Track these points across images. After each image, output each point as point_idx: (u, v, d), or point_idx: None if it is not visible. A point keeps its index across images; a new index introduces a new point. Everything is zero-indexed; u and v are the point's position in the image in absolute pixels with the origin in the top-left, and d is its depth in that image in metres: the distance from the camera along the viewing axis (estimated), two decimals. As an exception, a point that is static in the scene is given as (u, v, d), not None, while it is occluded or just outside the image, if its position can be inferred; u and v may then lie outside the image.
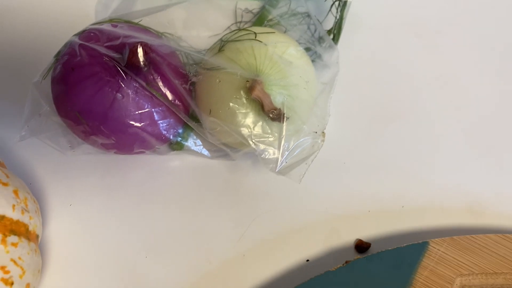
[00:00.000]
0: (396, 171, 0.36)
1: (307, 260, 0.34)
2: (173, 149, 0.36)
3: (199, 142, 0.35)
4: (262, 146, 0.29)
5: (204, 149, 0.35)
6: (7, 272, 0.28)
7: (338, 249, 0.34)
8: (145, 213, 0.36)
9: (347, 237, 0.35)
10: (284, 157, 0.30)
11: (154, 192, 0.37)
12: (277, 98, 0.30)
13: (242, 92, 0.29)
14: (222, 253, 0.35)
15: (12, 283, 0.29)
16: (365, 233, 0.35)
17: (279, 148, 0.29)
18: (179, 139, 0.35)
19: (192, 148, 0.35)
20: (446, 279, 0.30)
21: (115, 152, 0.35)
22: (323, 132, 0.31)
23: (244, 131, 0.29)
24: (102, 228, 0.36)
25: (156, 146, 0.35)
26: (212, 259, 0.34)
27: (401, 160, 0.37)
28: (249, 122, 0.29)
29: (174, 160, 0.38)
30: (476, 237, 0.31)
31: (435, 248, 0.31)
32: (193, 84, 0.32)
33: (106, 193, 0.37)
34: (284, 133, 0.29)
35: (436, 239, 0.31)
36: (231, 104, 0.29)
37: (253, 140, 0.29)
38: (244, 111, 0.29)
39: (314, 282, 0.31)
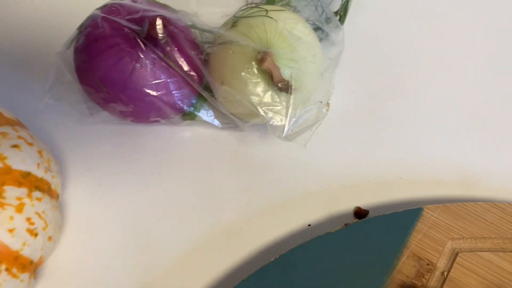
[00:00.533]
0: (394, 144, 0.39)
1: (309, 225, 0.36)
2: (186, 119, 0.38)
3: (210, 113, 0.38)
4: (270, 114, 0.32)
5: (215, 120, 0.37)
6: (32, 223, 0.31)
7: (338, 215, 0.37)
8: (158, 179, 0.38)
9: (347, 204, 0.37)
10: (291, 124, 0.32)
11: (167, 160, 0.39)
12: (286, 70, 0.32)
13: (253, 63, 0.31)
14: (229, 216, 0.37)
15: (36, 234, 0.31)
16: (364, 202, 0.37)
17: (286, 116, 0.32)
18: (192, 109, 0.37)
19: (204, 118, 0.38)
20: (438, 242, 0.33)
21: (131, 121, 0.37)
22: (327, 103, 0.34)
23: (254, 99, 0.32)
24: (117, 192, 0.38)
25: (171, 116, 0.37)
26: (220, 222, 0.37)
27: (399, 134, 0.39)
28: (259, 91, 0.32)
29: (186, 131, 0.40)
30: (467, 205, 0.34)
31: (428, 213, 0.34)
32: (207, 55, 0.34)
33: (122, 160, 0.39)
34: (291, 102, 0.31)
35: (430, 205, 0.34)
36: (243, 73, 0.32)
37: (263, 108, 0.32)
38: (255, 80, 0.31)
39: (315, 242, 0.33)
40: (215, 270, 0.35)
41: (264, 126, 0.39)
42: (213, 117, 0.37)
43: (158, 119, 0.37)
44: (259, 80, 0.32)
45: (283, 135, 0.32)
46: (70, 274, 0.35)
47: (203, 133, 0.40)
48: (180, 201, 0.38)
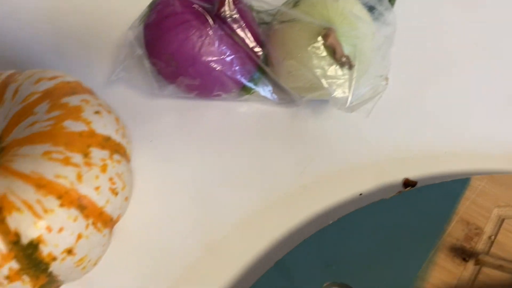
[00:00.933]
0: (442, 120, 0.41)
1: (360, 194, 0.39)
2: (244, 94, 0.40)
3: (268, 88, 0.40)
4: (334, 86, 0.34)
5: (273, 94, 0.40)
6: (113, 183, 0.33)
7: (388, 186, 0.39)
8: (217, 151, 0.41)
9: (395, 176, 0.39)
10: (353, 96, 0.34)
11: (225, 133, 0.42)
12: (347, 46, 0.34)
13: (318, 38, 0.34)
14: (284, 185, 0.39)
15: (117, 194, 0.34)
16: (412, 174, 0.39)
17: (349, 89, 0.34)
18: (252, 84, 0.39)
19: (262, 93, 0.40)
20: (485, 209, 0.35)
21: (196, 95, 0.40)
22: (386, 77, 0.36)
23: (319, 72, 0.34)
24: (179, 162, 0.41)
25: (232, 90, 0.39)
26: (277, 190, 0.39)
27: (447, 111, 0.42)
28: (323, 65, 0.34)
29: (243, 106, 0.43)
30: (513, 175, 0.36)
31: (476, 183, 0.36)
32: (270, 32, 0.37)
33: (183, 132, 0.42)
34: (354, 76, 0.34)
35: (477, 175, 0.36)
36: (308, 48, 0.34)
37: (327, 81, 0.34)
38: (320, 55, 0.34)
39: (371, 207, 0.35)
40: (274, 233, 0.38)
41: (316, 102, 0.42)
42: (271, 92, 0.40)
43: (220, 93, 0.39)
44: (323, 54, 0.34)
45: (346, 106, 0.35)
46: (137, 234, 0.38)
47: (258, 108, 0.42)
48: (238, 171, 0.40)
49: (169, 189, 0.40)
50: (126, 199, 0.35)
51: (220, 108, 0.42)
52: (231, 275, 0.36)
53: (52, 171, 0.31)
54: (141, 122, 0.42)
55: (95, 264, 0.34)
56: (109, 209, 0.33)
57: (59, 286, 0.33)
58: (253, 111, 0.42)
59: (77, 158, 0.32)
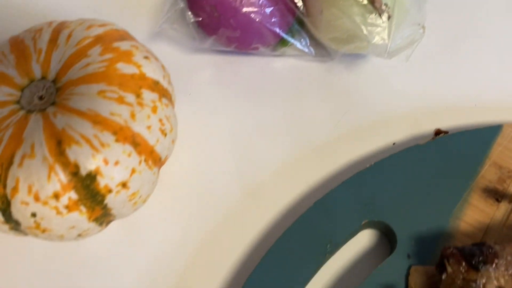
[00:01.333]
0: (474, 73, 0.43)
1: (394, 143, 0.40)
2: (281, 47, 0.42)
3: (305, 41, 0.41)
4: (373, 34, 0.36)
5: (310, 47, 0.41)
6: (163, 124, 0.35)
7: (420, 136, 0.41)
8: (253, 103, 0.42)
9: (428, 126, 0.41)
10: (392, 43, 0.36)
11: (261, 87, 0.43)
12: (387, -4, 0.36)
13: (358, -12, 0.35)
14: (319, 136, 0.41)
15: (166, 134, 0.35)
16: (444, 125, 0.41)
17: (388, 36, 0.36)
18: (289, 36, 0.41)
19: (298, 46, 0.41)
20: (517, 153, 0.37)
21: (235, 47, 0.41)
22: (423, 26, 0.37)
23: (358, 19, 0.36)
24: (217, 114, 0.42)
25: (271, 42, 0.41)
26: (312, 141, 0.41)
27: (479, 63, 0.43)
28: (363, 12, 0.36)
29: (278, 61, 0.44)
30: (543, 123, 0.38)
31: (508, 130, 0.37)
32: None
33: (220, 85, 0.43)
34: (393, 23, 0.35)
35: (509, 123, 0.38)
36: (350, -3, 0.36)
37: (367, 28, 0.36)
38: (361, 3, 0.35)
39: (407, 151, 0.37)
40: (311, 178, 0.39)
41: (350, 58, 0.43)
42: (308, 44, 0.41)
43: (258, 45, 0.41)
44: (364, 2, 0.35)
45: (386, 52, 0.36)
46: (181, 178, 0.40)
47: (293, 63, 0.44)
48: (275, 122, 0.42)
49: (208, 139, 0.41)
50: (173, 141, 0.37)
51: (256, 63, 0.44)
52: (271, 217, 0.38)
53: (107, 108, 0.33)
54: (180, 75, 0.43)
55: (144, 201, 0.35)
56: (159, 148, 0.35)
57: (111, 220, 0.35)
58: (288, 66, 0.44)
59: (130, 98, 0.33)
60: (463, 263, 0.30)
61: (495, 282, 0.29)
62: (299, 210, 0.38)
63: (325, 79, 0.43)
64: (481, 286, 0.29)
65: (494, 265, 0.29)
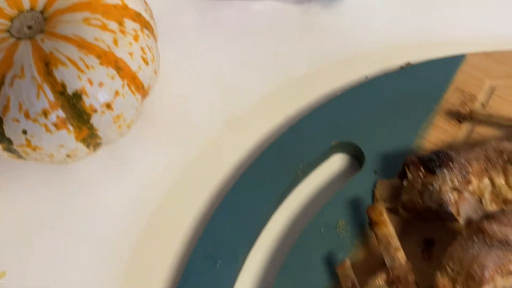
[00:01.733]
0: (443, 11, 0.45)
1: (366, 77, 0.43)
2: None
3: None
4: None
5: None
6: (144, 53, 0.37)
7: (391, 70, 0.43)
8: (234, 43, 0.45)
9: (398, 61, 0.43)
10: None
11: (241, 28, 0.45)
12: None
13: None
14: (296, 72, 0.43)
15: (147, 63, 0.37)
16: (413, 59, 0.43)
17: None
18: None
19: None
20: (478, 79, 0.38)
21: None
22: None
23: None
24: (198, 53, 0.45)
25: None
26: (288, 75, 0.43)
27: (448, 2, 0.46)
28: None
29: (257, 4, 0.46)
30: (505, 52, 0.40)
31: (471, 58, 0.40)
32: None
33: (202, 27, 0.45)
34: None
35: (472, 53, 0.40)
36: None
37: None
38: None
39: (374, 80, 0.39)
40: (287, 110, 0.42)
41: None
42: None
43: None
44: None
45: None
46: (164, 110, 0.42)
47: (272, 5, 0.46)
48: (255, 59, 0.44)
49: (191, 75, 0.44)
50: (155, 72, 0.39)
51: (236, 6, 0.46)
52: (251, 145, 0.40)
53: (91, 34, 0.35)
54: (164, 20, 0.45)
55: (128, 126, 0.38)
56: (141, 75, 0.37)
57: (98, 144, 0.37)
58: (267, 9, 0.46)
59: (113, 25, 0.36)
60: (422, 169, 0.32)
61: (450, 184, 0.31)
62: (276, 138, 0.40)
63: (302, 19, 0.45)
64: (438, 188, 0.31)
65: (449, 168, 0.31)
